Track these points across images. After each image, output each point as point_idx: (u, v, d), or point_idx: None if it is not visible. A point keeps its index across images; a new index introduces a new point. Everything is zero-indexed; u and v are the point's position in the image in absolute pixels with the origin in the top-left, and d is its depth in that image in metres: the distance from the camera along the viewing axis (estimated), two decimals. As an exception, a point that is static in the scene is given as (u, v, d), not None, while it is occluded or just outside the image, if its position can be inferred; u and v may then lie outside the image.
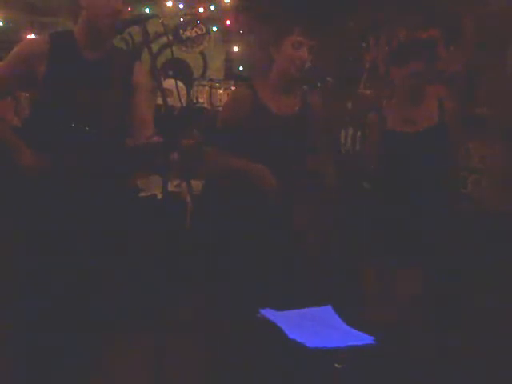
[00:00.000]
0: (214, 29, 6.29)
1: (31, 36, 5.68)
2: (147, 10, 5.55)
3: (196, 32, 5.98)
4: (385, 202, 3.24)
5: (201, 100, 6.29)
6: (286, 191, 2.85)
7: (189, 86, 6.13)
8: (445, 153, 3.17)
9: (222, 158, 2.85)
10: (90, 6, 2.50)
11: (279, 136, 2.85)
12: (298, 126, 2.91)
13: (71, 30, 2.59)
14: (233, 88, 5.93)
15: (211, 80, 6.50)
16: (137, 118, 2.65)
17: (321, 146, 3.10)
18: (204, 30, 6.02)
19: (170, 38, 5.37)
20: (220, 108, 5.33)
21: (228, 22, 6.32)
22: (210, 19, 6.18)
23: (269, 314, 2.10)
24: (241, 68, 6.59)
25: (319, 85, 5.14)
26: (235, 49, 6.57)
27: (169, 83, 4.69)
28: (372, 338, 2.01)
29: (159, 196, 4.16)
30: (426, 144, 3.15)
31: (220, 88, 6.37)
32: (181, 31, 5.94)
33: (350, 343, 1.97)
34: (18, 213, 2.60)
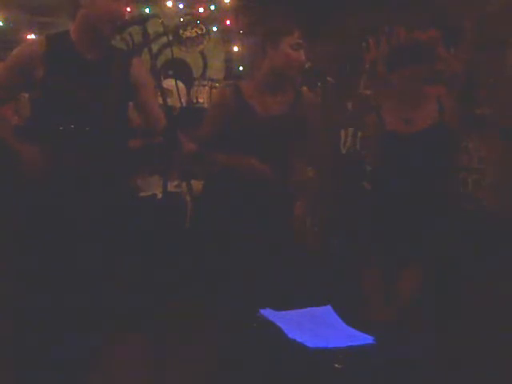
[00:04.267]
0: (214, 29, 6.28)
1: (31, 36, 5.68)
2: (147, 10, 5.54)
3: (196, 32, 5.98)
4: (385, 203, 3.24)
5: (201, 100, 6.28)
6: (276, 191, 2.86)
7: (189, 86, 6.12)
8: (445, 153, 3.17)
9: (214, 157, 2.83)
10: (90, 5, 2.49)
11: (264, 136, 2.83)
12: (284, 126, 2.90)
13: (67, 30, 2.59)
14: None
15: (211, 80, 6.49)
16: (148, 114, 2.66)
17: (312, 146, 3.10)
18: (204, 30, 6.02)
19: (170, 38, 5.36)
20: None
21: (228, 22, 6.31)
22: (209, 19, 6.16)
23: (269, 313, 2.10)
24: (241, 68, 6.57)
25: (319, 85, 5.14)
26: (235, 49, 6.55)
27: (169, 83, 4.69)
28: (372, 337, 2.01)
29: (159, 196, 4.16)
30: (426, 144, 3.14)
31: (220, 88, 6.36)
32: (181, 31, 5.93)
33: (350, 343, 1.97)
34: (19, 212, 2.60)
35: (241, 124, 2.81)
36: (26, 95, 2.85)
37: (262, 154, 2.79)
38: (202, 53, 6.50)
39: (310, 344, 1.92)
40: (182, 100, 5.11)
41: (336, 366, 1.86)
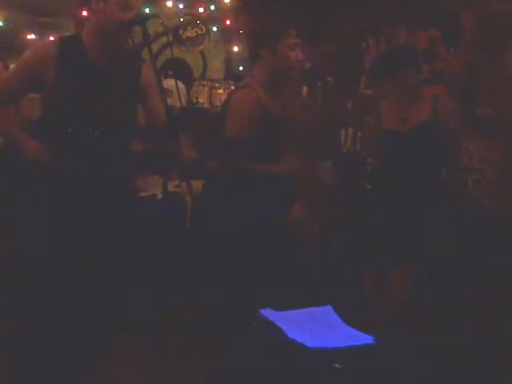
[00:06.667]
0: (214, 29, 6.28)
1: (31, 36, 5.69)
2: (147, 10, 5.54)
3: (196, 32, 5.97)
4: (385, 203, 3.24)
5: (201, 100, 6.27)
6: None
7: (189, 85, 6.12)
8: (439, 150, 3.16)
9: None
10: (101, 11, 2.50)
11: (277, 136, 2.86)
12: (282, 125, 2.91)
13: (79, 33, 2.60)
14: (233, 88, 5.92)
15: (211, 80, 6.49)
16: (155, 117, 2.66)
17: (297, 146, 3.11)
18: (204, 30, 6.01)
19: (170, 38, 5.36)
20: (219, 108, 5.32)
21: (228, 22, 6.31)
22: (210, 19, 6.16)
23: (269, 313, 2.10)
24: (241, 68, 6.57)
25: (319, 85, 5.14)
26: (235, 49, 6.55)
27: (169, 83, 4.69)
28: (372, 337, 2.01)
29: (159, 196, 4.16)
30: (418, 140, 3.14)
31: (220, 88, 6.36)
32: (181, 31, 5.93)
33: (350, 343, 1.97)
34: (22, 212, 2.60)
35: (258, 126, 2.80)
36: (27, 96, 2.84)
37: (266, 155, 2.80)
38: (202, 53, 6.50)
39: (310, 344, 1.92)
40: (182, 100, 5.11)
41: (336, 365, 1.86)
